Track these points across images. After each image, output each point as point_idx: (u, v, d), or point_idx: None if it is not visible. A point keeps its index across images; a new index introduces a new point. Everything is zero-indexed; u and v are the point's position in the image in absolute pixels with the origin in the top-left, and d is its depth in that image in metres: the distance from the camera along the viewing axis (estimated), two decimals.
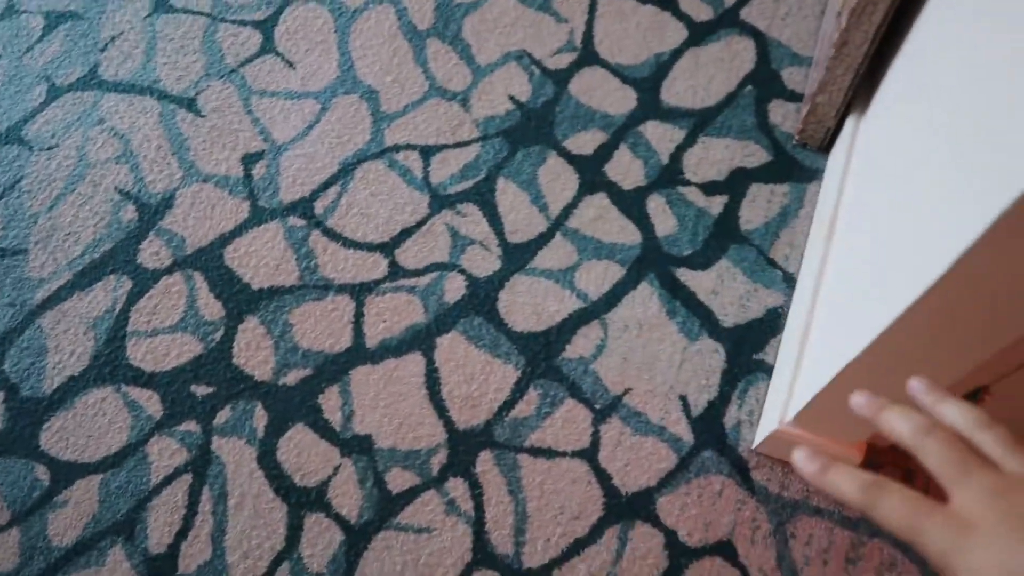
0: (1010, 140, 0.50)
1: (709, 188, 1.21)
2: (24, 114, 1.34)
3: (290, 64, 1.34)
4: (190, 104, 1.32)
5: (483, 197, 1.21)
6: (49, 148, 1.31)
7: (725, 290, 1.14)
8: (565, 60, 1.32)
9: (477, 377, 1.10)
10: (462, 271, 1.16)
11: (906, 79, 0.92)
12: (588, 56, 1.32)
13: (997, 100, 0.55)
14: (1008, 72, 0.53)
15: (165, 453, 1.10)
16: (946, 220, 0.58)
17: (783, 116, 1.26)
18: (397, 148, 1.26)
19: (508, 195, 1.21)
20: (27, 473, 1.11)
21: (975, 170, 0.55)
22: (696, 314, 1.13)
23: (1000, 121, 0.53)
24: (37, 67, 1.38)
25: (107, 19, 1.41)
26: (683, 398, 1.08)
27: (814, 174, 1.21)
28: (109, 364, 1.15)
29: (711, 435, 1.06)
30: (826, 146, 1.22)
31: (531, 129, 1.26)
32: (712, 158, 1.23)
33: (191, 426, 1.11)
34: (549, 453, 1.06)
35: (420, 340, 1.12)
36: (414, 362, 1.11)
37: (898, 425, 0.40)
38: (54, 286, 1.21)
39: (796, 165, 1.22)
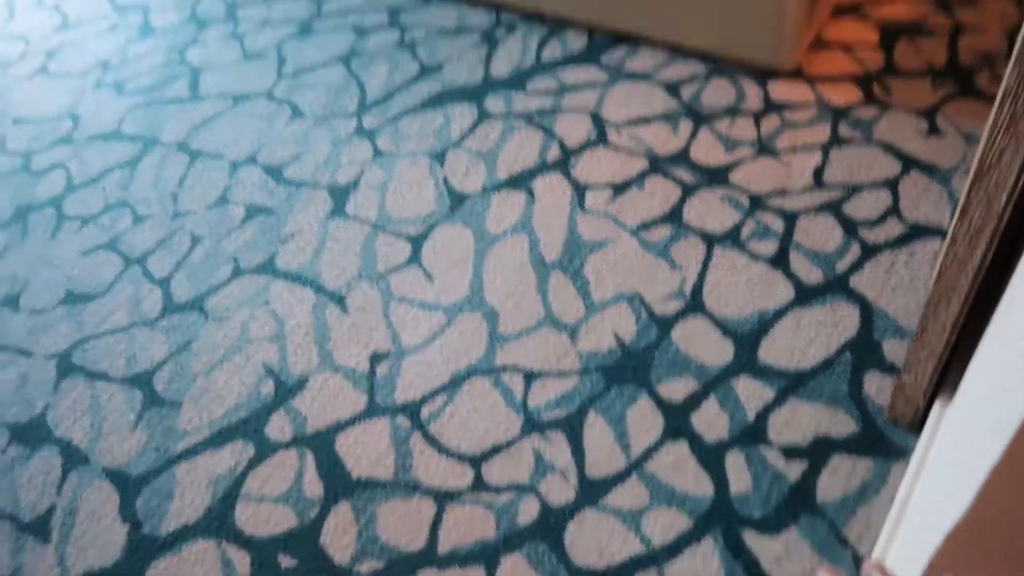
0: None
1: (790, 452, 1.23)
2: (210, 287, 1.60)
3: (430, 277, 1.53)
4: (340, 300, 1.53)
5: (572, 428, 1.30)
6: (221, 319, 1.55)
7: (790, 561, 1.14)
8: (673, 307, 1.42)
9: None
10: (538, 495, 1.24)
11: (979, 372, 0.94)
12: (695, 305, 1.42)
13: None
14: None
15: None
16: None
17: (878, 388, 1.28)
18: (504, 368, 1.39)
19: (595, 429, 1.30)
20: None
21: None
22: None
23: None
24: (230, 249, 1.66)
25: (292, 217, 1.69)
26: None
27: (902, 453, 1.21)
28: (218, 520, 1.30)
29: None
30: (917, 425, 1.22)
31: (629, 369, 1.35)
32: (798, 422, 1.26)
33: None
34: None
35: (486, 555, 1.20)
36: None
37: None
38: (194, 440, 1.40)
39: (884, 441, 1.23)
